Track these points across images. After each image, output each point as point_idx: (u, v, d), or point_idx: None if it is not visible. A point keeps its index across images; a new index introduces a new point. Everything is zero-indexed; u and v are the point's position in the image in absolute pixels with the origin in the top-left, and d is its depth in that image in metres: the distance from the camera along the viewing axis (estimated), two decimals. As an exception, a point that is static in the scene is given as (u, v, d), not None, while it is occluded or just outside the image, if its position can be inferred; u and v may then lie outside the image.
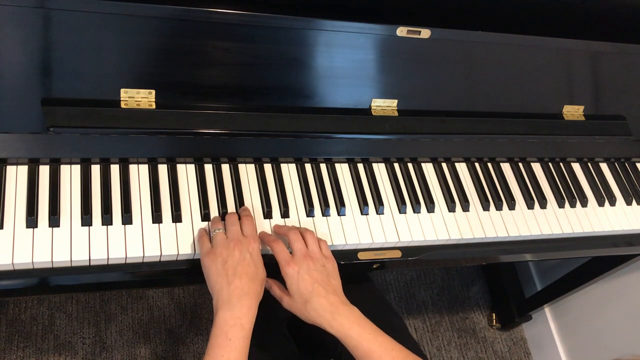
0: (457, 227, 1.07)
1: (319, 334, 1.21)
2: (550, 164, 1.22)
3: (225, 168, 1.00)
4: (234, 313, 0.81)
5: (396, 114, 1.05)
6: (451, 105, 1.09)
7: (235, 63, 0.93)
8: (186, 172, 0.97)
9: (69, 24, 0.82)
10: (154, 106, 0.90)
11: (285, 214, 0.99)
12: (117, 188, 0.92)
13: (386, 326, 1.06)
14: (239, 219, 0.92)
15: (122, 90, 0.89)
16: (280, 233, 0.94)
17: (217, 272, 0.84)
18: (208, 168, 0.99)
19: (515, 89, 1.12)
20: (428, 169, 1.12)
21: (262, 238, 0.93)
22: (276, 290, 0.91)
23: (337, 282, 0.90)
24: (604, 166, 1.27)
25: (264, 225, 0.97)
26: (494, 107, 1.12)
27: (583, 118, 1.18)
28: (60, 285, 0.88)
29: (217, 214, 0.95)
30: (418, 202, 1.07)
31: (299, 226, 0.97)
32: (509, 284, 1.93)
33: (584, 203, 1.19)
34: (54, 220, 0.86)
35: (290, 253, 0.89)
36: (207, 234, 0.90)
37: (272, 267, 0.91)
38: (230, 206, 0.97)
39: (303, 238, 0.90)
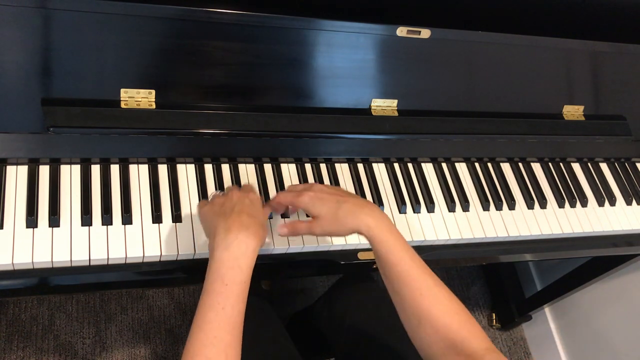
0: (457, 227, 1.07)
1: (319, 334, 1.21)
2: (550, 164, 1.22)
3: (225, 168, 1.00)
4: (230, 253, 0.74)
5: (396, 114, 1.05)
6: (451, 105, 1.09)
7: (235, 63, 0.93)
8: (186, 172, 0.97)
9: (69, 24, 0.82)
10: (154, 106, 0.90)
11: (285, 213, 0.99)
12: (117, 188, 0.92)
13: (387, 326, 1.07)
14: None
15: (122, 90, 0.89)
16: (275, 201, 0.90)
17: (214, 213, 0.80)
18: (208, 168, 0.99)
19: (515, 89, 1.12)
20: (428, 169, 1.12)
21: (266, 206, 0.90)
22: (301, 226, 0.85)
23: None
24: (604, 166, 1.27)
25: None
26: (494, 107, 1.12)
27: (583, 118, 1.18)
28: (60, 285, 0.88)
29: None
30: (418, 202, 1.07)
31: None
32: (509, 284, 1.92)
33: (584, 203, 1.19)
34: (54, 220, 0.86)
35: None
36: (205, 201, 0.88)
37: (270, 267, 0.91)
38: (230, 206, 0.96)
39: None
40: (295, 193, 0.84)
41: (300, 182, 1.03)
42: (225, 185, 0.98)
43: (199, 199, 0.95)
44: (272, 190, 1.00)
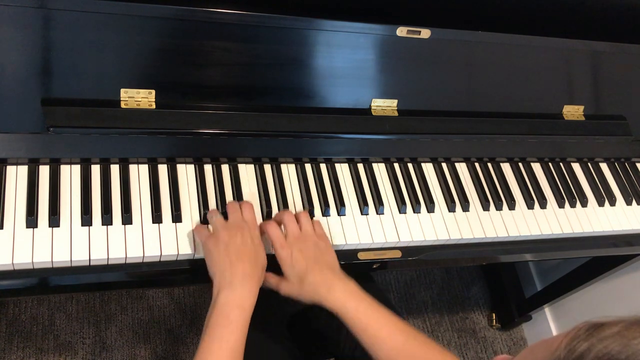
0: (457, 227, 1.07)
1: (319, 334, 1.21)
2: (550, 164, 1.22)
3: (225, 168, 1.00)
4: (236, 294, 0.82)
5: (396, 114, 1.05)
6: (451, 105, 1.09)
7: (235, 63, 0.93)
8: (186, 172, 0.97)
9: (69, 24, 0.82)
10: (154, 106, 0.90)
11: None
12: (117, 188, 0.92)
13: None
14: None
15: (122, 90, 0.89)
16: (276, 219, 0.95)
17: (219, 255, 0.84)
18: (208, 168, 0.99)
19: (515, 89, 1.12)
20: (428, 169, 1.12)
21: (260, 226, 0.94)
22: (271, 280, 0.91)
23: (331, 257, 0.91)
24: (604, 166, 1.27)
25: (264, 225, 0.97)
26: (494, 107, 1.12)
27: (583, 118, 1.18)
28: (60, 285, 0.88)
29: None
30: (418, 202, 1.07)
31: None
32: (509, 284, 1.92)
33: (584, 203, 1.19)
34: (54, 220, 0.86)
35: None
36: (203, 225, 0.91)
37: (270, 267, 0.91)
38: (230, 206, 0.96)
39: (297, 220, 0.92)
40: (281, 241, 0.89)
41: (300, 183, 1.02)
42: (225, 186, 0.98)
43: (199, 199, 0.95)
44: (272, 191, 1.00)
